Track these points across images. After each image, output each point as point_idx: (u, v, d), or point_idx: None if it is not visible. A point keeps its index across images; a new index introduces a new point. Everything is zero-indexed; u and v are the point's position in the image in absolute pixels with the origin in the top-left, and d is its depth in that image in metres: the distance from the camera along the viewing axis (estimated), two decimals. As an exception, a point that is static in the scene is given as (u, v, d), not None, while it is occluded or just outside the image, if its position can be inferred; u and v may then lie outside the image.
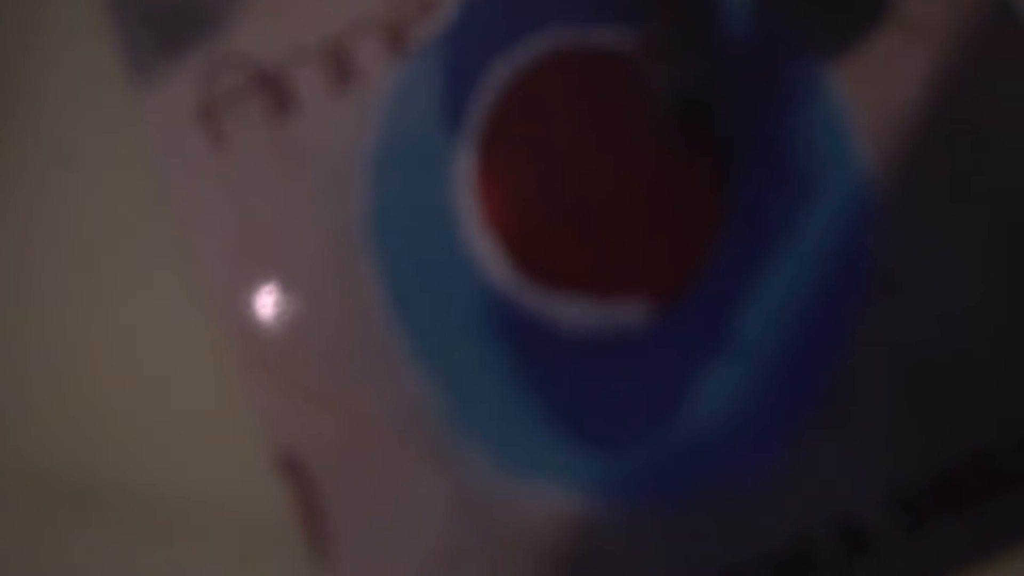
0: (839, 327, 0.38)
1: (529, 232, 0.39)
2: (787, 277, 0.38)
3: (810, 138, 0.39)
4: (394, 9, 0.41)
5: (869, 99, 0.39)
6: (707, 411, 0.37)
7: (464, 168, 0.40)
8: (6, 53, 0.42)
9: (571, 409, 0.38)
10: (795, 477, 0.37)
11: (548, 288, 0.38)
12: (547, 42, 0.40)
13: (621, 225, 0.39)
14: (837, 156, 0.39)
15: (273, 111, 0.41)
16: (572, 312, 0.38)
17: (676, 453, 0.37)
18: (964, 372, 0.37)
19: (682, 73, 0.38)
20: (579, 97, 0.40)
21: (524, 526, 0.37)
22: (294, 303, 0.39)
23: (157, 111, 0.41)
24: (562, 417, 0.38)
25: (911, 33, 0.39)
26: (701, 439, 0.37)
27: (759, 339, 0.38)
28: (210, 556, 0.38)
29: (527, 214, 0.39)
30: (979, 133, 0.38)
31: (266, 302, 0.39)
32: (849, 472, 0.37)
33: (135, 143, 0.42)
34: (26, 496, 0.40)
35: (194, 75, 0.41)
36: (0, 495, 0.40)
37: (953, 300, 0.37)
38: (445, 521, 0.37)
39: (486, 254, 0.39)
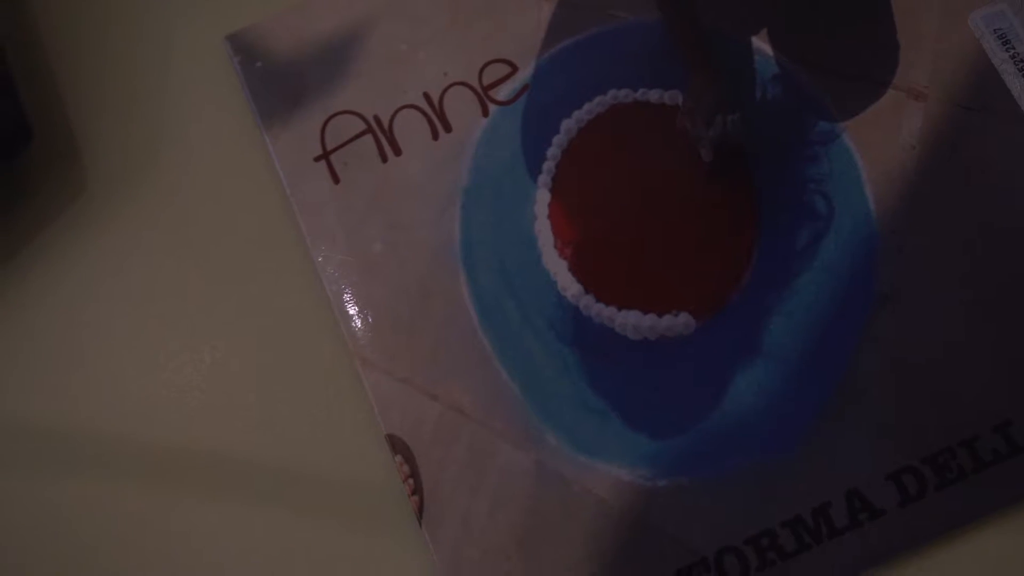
0: (850, 334, 0.46)
1: (595, 258, 0.47)
2: (807, 294, 0.46)
3: (829, 182, 0.47)
4: (479, 74, 0.50)
5: (878, 152, 0.47)
6: (741, 402, 0.46)
7: (541, 203, 0.48)
8: (158, 105, 0.51)
9: (628, 402, 0.46)
10: (814, 456, 0.45)
11: (610, 304, 0.47)
12: (607, 101, 0.49)
13: (670, 253, 0.47)
14: (850, 199, 0.47)
15: (380, 154, 0.49)
16: (630, 323, 0.47)
17: (716, 436, 0.45)
18: (951, 371, 0.45)
19: (716, 129, 0.47)
20: (634, 145, 0.48)
21: (593, 494, 0.45)
22: (402, 311, 0.47)
23: (284, 155, 0.49)
24: (621, 408, 0.46)
25: (915, 100, 0.48)
26: (736, 425, 0.46)
27: (784, 344, 0.46)
28: (336, 517, 0.46)
29: (593, 244, 0.47)
30: (969, 179, 0.47)
31: (380, 311, 0.48)
32: (858, 452, 0.45)
33: (270, 179, 0.50)
34: (171, 470, 0.48)
35: (312, 125, 0.50)
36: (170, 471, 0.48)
37: (942, 313, 0.46)
38: (528, 491, 0.46)
39: (560, 274, 0.47)
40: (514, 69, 0.49)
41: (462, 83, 0.49)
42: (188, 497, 0.46)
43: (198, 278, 0.49)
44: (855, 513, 0.44)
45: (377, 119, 0.49)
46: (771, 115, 0.48)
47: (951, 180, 0.46)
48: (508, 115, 0.49)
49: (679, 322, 0.46)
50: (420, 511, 0.45)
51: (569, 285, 0.47)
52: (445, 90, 0.49)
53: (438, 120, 0.49)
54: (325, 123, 0.49)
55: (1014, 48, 0.47)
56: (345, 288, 0.47)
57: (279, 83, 0.50)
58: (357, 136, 0.49)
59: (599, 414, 0.45)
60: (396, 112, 0.49)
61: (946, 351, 0.45)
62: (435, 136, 0.49)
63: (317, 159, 0.49)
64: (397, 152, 0.49)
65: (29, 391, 0.48)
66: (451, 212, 0.48)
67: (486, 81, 0.49)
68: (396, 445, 0.46)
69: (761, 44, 0.48)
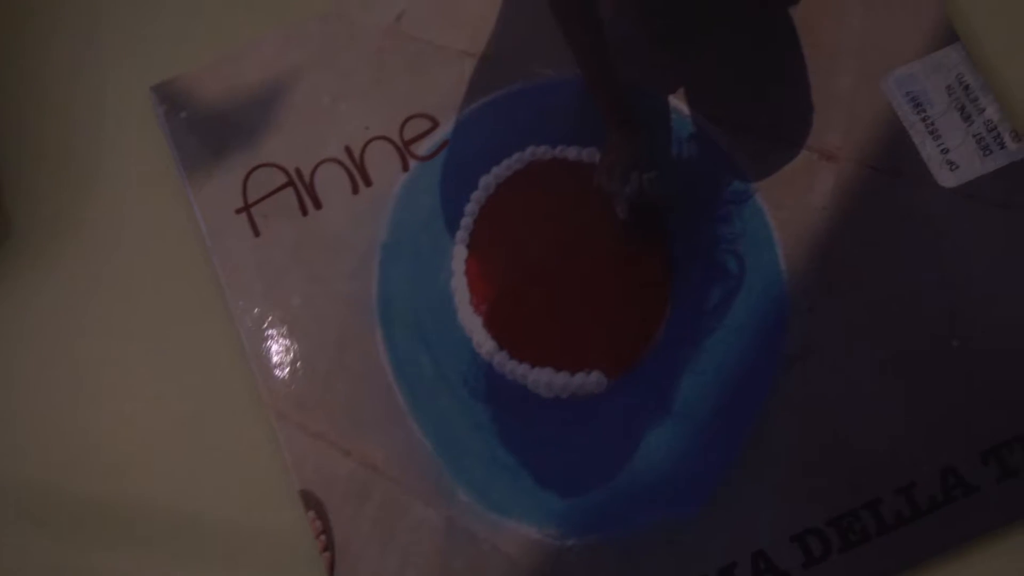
0: (758, 393, 0.46)
1: (510, 315, 0.48)
2: (718, 353, 0.47)
3: (741, 242, 0.48)
4: (400, 128, 0.50)
5: (789, 212, 0.48)
6: (651, 461, 0.46)
7: (458, 259, 0.49)
8: (83, 154, 0.51)
9: (540, 459, 0.46)
10: (721, 516, 0.45)
11: (524, 361, 0.47)
12: (526, 158, 0.49)
13: (585, 310, 0.48)
14: (762, 260, 0.47)
15: (301, 208, 0.50)
16: (543, 381, 0.47)
17: (625, 495, 0.46)
18: (858, 433, 0.46)
19: (631, 187, 0.47)
20: (551, 202, 0.49)
21: (502, 552, 0.46)
22: (318, 365, 0.48)
23: (206, 207, 0.50)
24: (532, 466, 0.46)
25: (827, 161, 0.48)
26: (646, 484, 0.46)
27: (694, 403, 0.47)
28: (248, 572, 0.47)
29: (508, 300, 0.48)
30: (879, 241, 0.47)
31: (296, 364, 0.48)
32: (764, 513, 0.45)
33: (192, 230, 0.50)
34: (86, 520, 0.48)
35: (234, 177, 0.50)
36: (65, 517, 0.48)
37: (850, 374, 0.46)
38: (439, 548, 0.46)
39: (475, 331, 0.48)
40: (435, 124, 0.50)
41: (383, 137, 0.50)
42: (100, 549, 0.47)
43: (117, 328, 0.49)
44: (759, 574, 0.44)
45: (299, 172, 0.49)
46: (686, 174, 0.48)
47: (861, 242, 0.47)
48: (428, 170, 0.49)
49: (591, 380, 0.46)
50: (331, 567, 0.46)
51: (483, 342, 0.47)
52: (366, 144, 0.50)
53: (359, 174, 0.49)
54: (247, 175, 0.50)
55: (925, 111, 0.48)
56: (262, 341, 0.48)
57: (203, 134, 0.50)
58: (278, 189, 0.49)
59: (511, 471, 0.46)
60: (318, 165, 0.49)
61: (853, 412, 0.45)
62: (355, 190, 0.49)
63: (238, 211, 0.49)
64: (317, 206, 0.49)
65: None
66: (369, 267, 0.48)
67: (407, 136, 0.49)
68: (309, 501, 0.46)
69: (678, 103, 0.49)
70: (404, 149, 0.49)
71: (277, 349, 0.47)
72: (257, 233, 0.49)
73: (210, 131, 0.50)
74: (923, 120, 0.48)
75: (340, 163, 0.49)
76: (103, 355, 0.49)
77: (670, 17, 0.50)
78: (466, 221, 0.48)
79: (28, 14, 0.52)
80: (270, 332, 0.48)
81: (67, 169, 0.51)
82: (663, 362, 0.47)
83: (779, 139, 0.48)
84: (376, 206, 0.49)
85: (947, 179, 0.47)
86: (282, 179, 0.50)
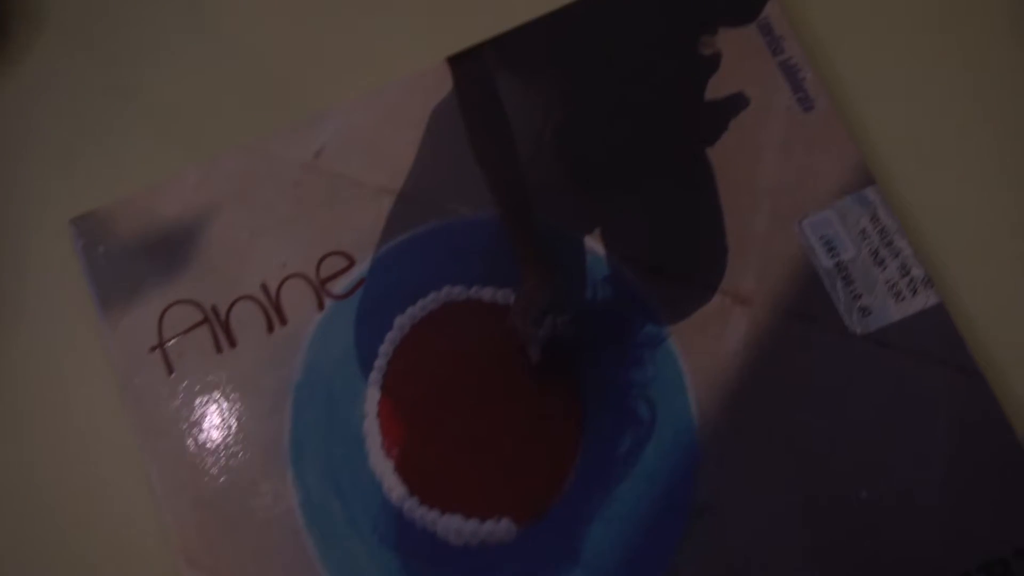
0: (668, 541, 0.46)
1: (421, 460, 0.48)
2: (627, 502, 0.47)
3: (653, 387, 0.48)
4: (317, 266, 0.50)
5: (702, 357, 0.48)
6: (559, 612, 0.46)
7: (371, 401, 0.49)
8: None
9: (449, 609, 0.46)
10: (628, 669, 0.45)
11: (434, 507, 0.47)
12: (441, 298, 0.49)
13: (495, 456, 0.47)
14: (673, 406, 0.47)
15: (216, 346, 0.50)
16: (452, 528, 0.47)
17: (533, 646, 0.46)
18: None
19: (545, 330, 0.47)
20: (465, 344, 0.49)
21: None
22: (229, 509, 0.48)
23: (120, 344, 0.50)
24: (442, 615, 0.46)
25: (741, 305, 0.48)
26: (554, 635, 0.46)
27: (603, 553, 0.46)
28: None
29: (420, 445, 0.48)
30: (790, 388, 0.47)
31: (206, 508, 0.48)
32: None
33: (105, 368, 0.50)
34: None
35: (150, 314, 0.50)
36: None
37: (760, 523, 0.46)
38: None
39: (386, 476, 0.48)
40: (351, 262, 0.49)
41: (300, 275, 0.50)
42: None
43: (28, 468, 0.49)
44: None
45: (215, 309, 0.49)
46: (600, 317, 0.48)
47: (773, 388, 0.47)
48: (343, 310, 0.49)
49: (500, 528, 0.46)
50: None
51: (394, 487, 0.47)
52: (283, 282, 0.49)
53: (274, 312, 0.49)
54: (163, 312, 0.50)
55: (839, 255, 0.48)
56: (172, 482, 0.47)
57: (120, 269, 0.50)
58: (194, 327, 0.49)
59: (419, 620, 0.45)
60: (234, 303, 0.49)
61: (762, 562, 0.45)
62: (270, 329, 0.49)
63: (152, 349, 0.49)
64: (232, 344, 0.49)
65: None
66: (283, 408, 0.48)
67: (324, 274, 0.49)
68: (217, 648, 0.46)
69: (594, 244, 0.49)
70: (320, 287, 0.49)
71: (187, 491, 0.47)
72: (171, 371, 0.49)
73: (127, 266, 0.50)
74: (836, 265, 0.48)
75: (256, 300, 0.49)
76: (12, 496, 0.48)
77: (589, 157, 0.50)
78: (380, 362, 0.48)
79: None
80: (180, 473, 0.47)
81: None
82: (572, 509, 0.46)
83: (693, 282, 0.48)
84: (291, 345, 0.49)
85: (859, 325, 0.47)
86: (198, 316, 0.49)
